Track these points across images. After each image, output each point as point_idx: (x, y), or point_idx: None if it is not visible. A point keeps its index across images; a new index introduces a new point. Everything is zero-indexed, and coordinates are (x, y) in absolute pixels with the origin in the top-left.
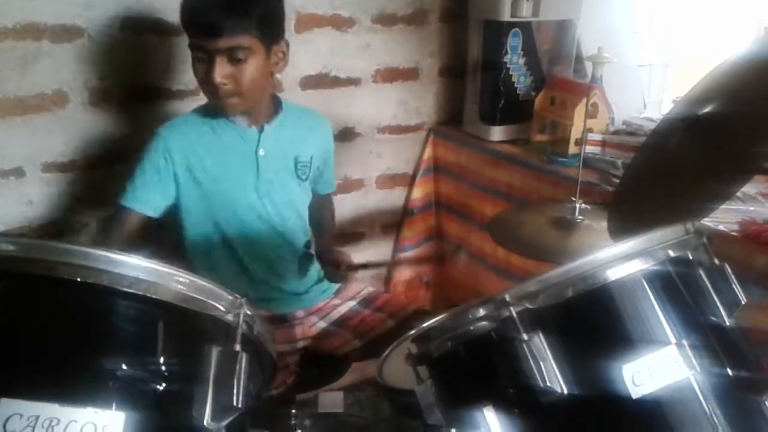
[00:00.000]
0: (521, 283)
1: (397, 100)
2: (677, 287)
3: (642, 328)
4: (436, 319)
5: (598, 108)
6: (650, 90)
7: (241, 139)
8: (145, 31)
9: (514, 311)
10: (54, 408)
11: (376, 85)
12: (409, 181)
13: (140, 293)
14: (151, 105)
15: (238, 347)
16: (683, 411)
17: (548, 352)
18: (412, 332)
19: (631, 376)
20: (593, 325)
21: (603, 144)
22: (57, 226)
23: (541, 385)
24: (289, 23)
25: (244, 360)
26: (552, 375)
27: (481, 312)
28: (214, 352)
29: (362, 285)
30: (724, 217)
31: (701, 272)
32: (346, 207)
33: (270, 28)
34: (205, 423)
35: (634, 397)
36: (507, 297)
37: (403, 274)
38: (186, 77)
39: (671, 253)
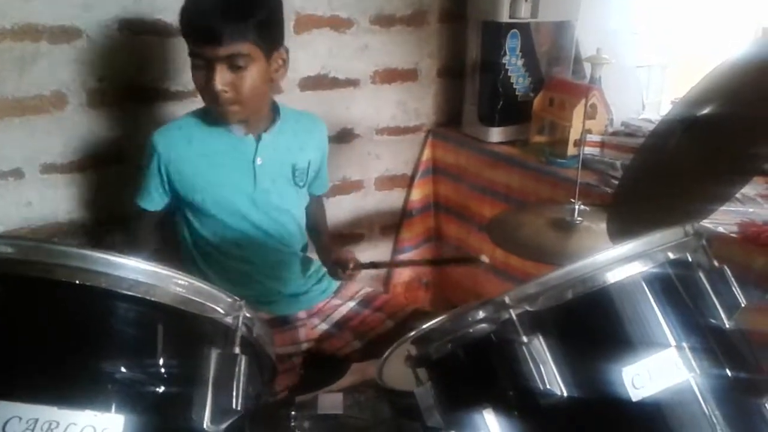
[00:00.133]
0: (521, 285)
1: (395, 102)
2: (677, 289)
3: (642, 331)
4: (435, 321)
5: (596, 109)
6: (649, 91)
7: (238, 148)
8: (144, 32)
9: (513, 313)
10: (53, 411)
11: (374, 86)
12: (408, 182)
13: (139, 296)
14: (150, 106)
15: (237, 350)
16: (683, 413)
17: (548, 354)
18: (412, 334)
19: (630, 378)
20: (593, 327)
21: (602, 145)
22: (56, 227)
23: (541, 387)
24: (288, 24)
25: (243, 362)
26: (552, 377)
27: (481, 314)
28: (214, 355)
29: (360, 285)
30: (723, 219)
31: (701, 274)
32: (344, 208)
33: (269, 34)
34: (204, 426)
35: (633, 399)
36: (506, 299)
37: (403, 275)
38: (184, 78)
39: (671, 256)
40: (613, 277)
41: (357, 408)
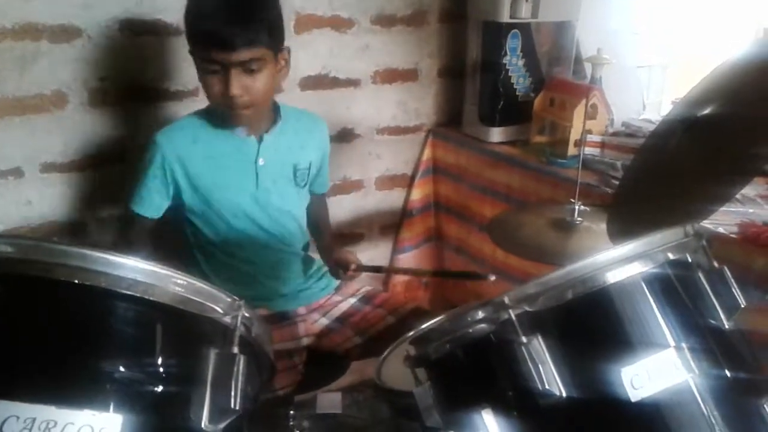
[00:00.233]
0: (520, 285)
1: (396, 101)
2: (676, 290)
3: (641, 331)
4: (434, 321)
5: (597, 109)
6: (649, 91)
7: (240, 149)
8: (144, 31)
9: (513, 314)
10: (51, 410)
11: (375, 86)
12: (409, 182)
13: (138, 295)
14: (150, 105)
15: (235, 349)
16: (682, 414)
17: (547, 354)
18: (411, 334)
19: (629, 379)
20: (592, 327)
21: (602, 145)
22: (56, 226)
23: (540, 388)
24: (288, 24)
25: (241, 362)
26: (551, 378)
27: (480, 314)
28: (212, 354)
29: (361, 283)
30: (723, 219)
31: (700, 275)
32: (345, 208)
33: (277, 36)
34: (202, 425)
35: (632, 400)
36: (506, 299)
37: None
38: (185, 78)
39: (670, 256)
40: (612, 277)
41: (356, 407)
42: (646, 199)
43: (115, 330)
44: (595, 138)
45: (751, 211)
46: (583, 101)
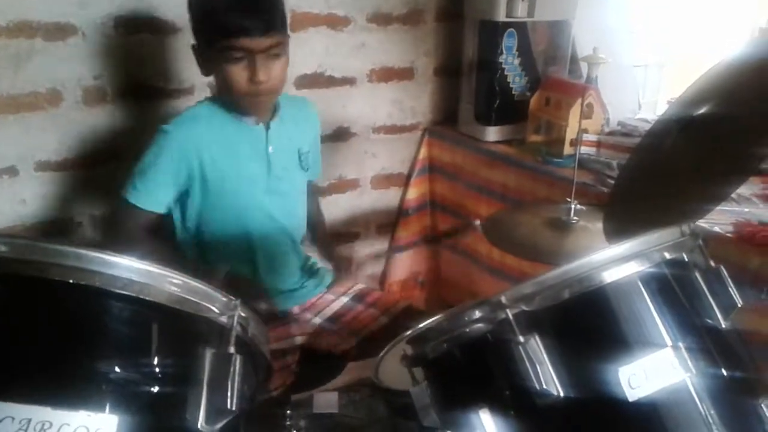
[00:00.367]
0: (517, 285)
1: (392, 100)
2: (673, 289)
3: (638, 331)
4: (431, 320)
5: (593, 108)
6: (645, 90)
7: (251, 137)
8: (140, 29)
9: (510, 313)
10: (46, 411)
11: (371, 85)
12: (404, 181)
13: (133, 295)
14: (146, 103)
15: (232, 349)
16: (679, 414)
17: (544, 354)
18: (408, 333)
19: (627, 378)
20: (589, 327)
21: (598, 145)
22: (50, 225)
23: (537, 387)
24: None
25: (238, 362)
26: (548, 377)
27: (477, 314)
28: (208, 354)
29: (354, 281)
30: (718, 219)
31: (697, 274)
32: (341, 207)
33: (286, 23)
34: (199, 426)
35: (630, 399)
36: (503, 299)
37: (398, 273)
38: (181, 76)
39: (667, 256)
40: (609, 276)
41: (352, 407)
42: (641, 198)
43: (110, 330)
44: (591, 137)
45: (746, 210)
46: (579, 100)
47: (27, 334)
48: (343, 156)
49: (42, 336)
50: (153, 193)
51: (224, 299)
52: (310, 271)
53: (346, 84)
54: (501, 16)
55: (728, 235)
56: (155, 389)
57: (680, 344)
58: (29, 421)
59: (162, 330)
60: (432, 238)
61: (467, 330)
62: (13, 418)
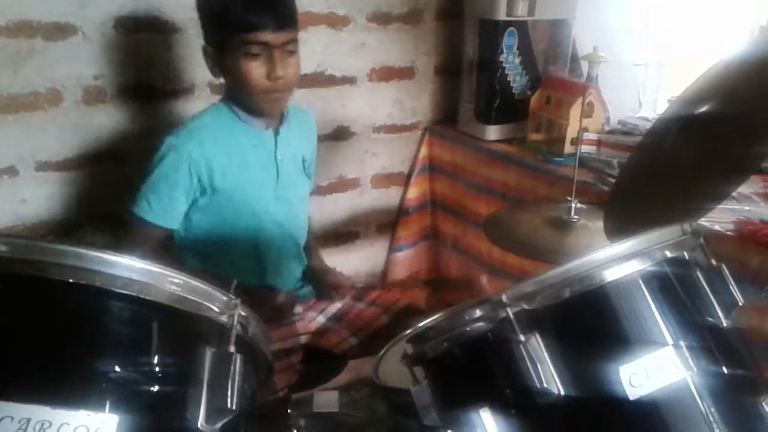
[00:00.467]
0: (518, 283)
1: (392, 99)
2: (674, 288)
3: (639, 329)
4: (431, 319)
5: (593, 107)
6: (646, 89)
7: (260, 144)
8: (140, 29)
9: (510, 312)
10: (46, 411)
11: (371, 84)
12: (405, 180)
13: (133, 294)
14: (146, 103)
15: (232, 348)
16: (680, 412)
17: (545, 353)
18: (408, 332)
19: (628, 377)
20: (590, 326)
21: (598, 143)
22: (50, 225)
23: (538, 386)
24: None
25: (238, 361)
26: (549, 376)
27: (478, 313)
28: (209, 354)
29: (355, 279)
30: (719, 217)
31: (698, 273)
32: (341, 206)
33: (297, 18)
34: (199, 425)
35: (631, 398)
36: (504, 298)
37: (399, 273)
38: (181, 76)
39: (668, 254)
40: (610, 275)
41: (353, 406)
42: (642, 197)
43: (110, 329)
44: (591, 136)
45: (747, 208)
46: (580, 99)
47: (27, 333)
48: (344, 155)
49: (42, 335)
50: (168, 210)
51: (224, 298)
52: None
53: (346, 83)
54: (501, 15)
55: (729, 233)
56: (155, 388)
57: (681, 343)
58: (29, 420)
59: (162, 329)
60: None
61: (468, 329)
62: (12, 418)
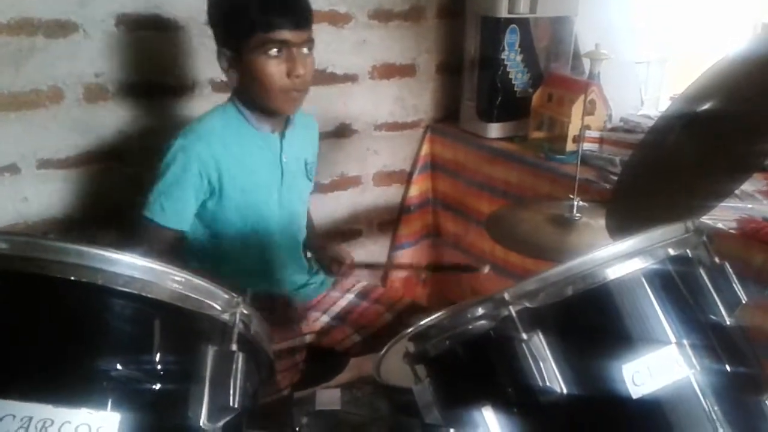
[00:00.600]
0: (520, 281)
1: (394, 97)
2: (677, 286)
3: (642, 328)
4: (433, 317)
5: (595, 105)
6: (648, 87)
7: (266, 147)
8: (142, 26)
9: (513, 310)
10: (48, 409)
11: (373, 82)
12: (407, 178)
13: (135, 292)
14: (147, 101)
15: (234, 347)
16: (683, 410)
17: (547, 351)
18: (410, 330)
19: (631, 375)
20: (593, 324)
21: (601, 141)
22: (52, 222)
23: (541, 384)
24: None
25: (240, 359)
26: (551, 374)
27: (480, 311)
28: (211, 352)
29: (357, 278)
30: (722, 215)
31: (701, 271)
32: (342, 204)
33: None
34: (201, 423)
35: (634, 396)
36: (506, 296)
37: (400, 271)
38: (182, 73)
39: (671, 252)
40: (613, 273)
41: (355, 404)
42: (644, 194)
43: (112, 327)
44: (593, 134)
45: (750, 206)
46: (582, 97)
47: (28, 331)
48: (345, 153)
49: (43, 334)
50: (180, 212)
51: (226, 296)
52: (313, 270)
53: (347, 81)
54: (503, 13)
55: (732, 231)
56: (157, 387)
57: (684, 341)
58: (30, 419)
59: (164, 327)
60: (434, 267)
61: (470, 327)
62: (14, 416)
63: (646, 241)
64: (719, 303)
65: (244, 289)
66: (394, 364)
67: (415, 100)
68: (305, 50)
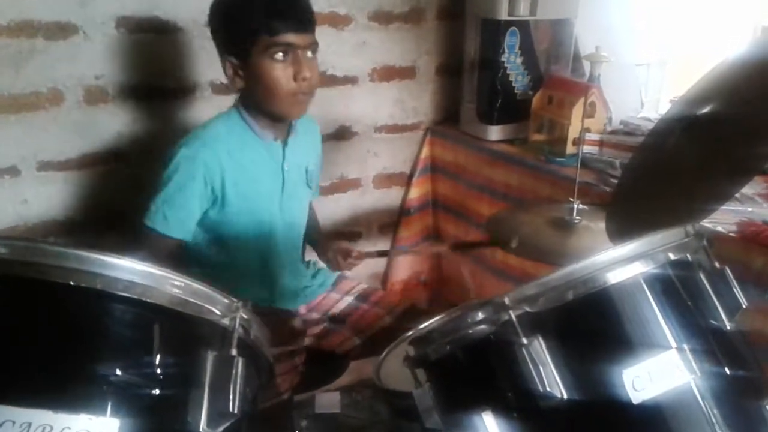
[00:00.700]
0: (521, 286)
1: (394, 99)
2: (677, 291)
3: (642, 332)
4: (433, 321)
5: (595, 107)
6: (648, 89)
7: (269, 155)
8: (142, 29)
9: (513, 315)
10: (47, 415)
11: (373, 84)
12: (406, 180)
13: (135, 297)
14: (147, 103)
15: (234, 352)
16: (684, 416)
17: (548, 356)
18: (410, 334)
19: (631, 380)
20: (593, 328)
21: (601, 144)
22: (52, 225)
23: (541, 389)
24: None
25: (240, 364)
26: (551, 379)
27: (480, 315)
28: (210, 357)
29: (356, 281)
30: (722, 219)
31: (702, 275)
32: (342, 206)
33: None
34: (200, 429)
35: (634, 402)
36: (506, 300)
37: (400, 273)
38: (182, 75)
39: (671, 256)
40: (613, 278)
41: (354, 407)
42: (644, 197)
43: (111, 332)
44: (593, 136)
45: (750, 210)
46: (582, 99)
47: (27, 336)
48: (345, 155)
49: (43, 339)
50: (183, 221)
51: (226, 301)
52: (313, 272)
53: (347, 83)
54: (503, 15)
55: (732, 235)
56: (157, 392)
57: (685, 346)
58: (30, 424)
59: (163, 332)
60: (457, 245)
61: (470, 331)
62: (13, 422)
63: (646, 245)
64: (719, 308)
65: (245, 301)
66: (394, 368)
67: (415, 102)
68: (309, 53)
